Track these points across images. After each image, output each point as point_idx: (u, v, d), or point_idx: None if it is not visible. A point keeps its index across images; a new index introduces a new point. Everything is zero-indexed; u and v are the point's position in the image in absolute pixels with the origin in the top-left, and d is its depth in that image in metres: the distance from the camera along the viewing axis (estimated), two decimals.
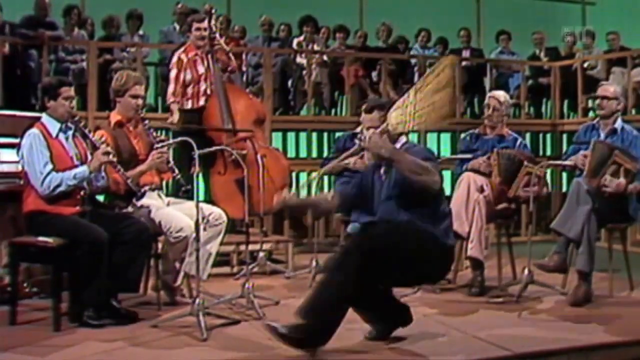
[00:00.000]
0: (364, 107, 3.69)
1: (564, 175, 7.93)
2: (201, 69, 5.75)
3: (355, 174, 5.26)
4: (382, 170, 3.55)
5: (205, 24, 5.74)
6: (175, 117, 5.67)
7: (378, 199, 3.50)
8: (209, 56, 5.75)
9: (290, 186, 6.03)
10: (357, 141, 3.47)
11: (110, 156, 4.02)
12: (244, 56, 7.56)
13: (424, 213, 3.40)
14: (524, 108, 8.69)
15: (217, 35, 5.89)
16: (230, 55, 5.92)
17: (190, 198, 4.30)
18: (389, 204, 3.44)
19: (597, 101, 4.87)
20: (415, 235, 3.35)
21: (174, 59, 5.76)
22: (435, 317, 3.63)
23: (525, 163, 4.68)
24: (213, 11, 5.77)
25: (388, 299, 3.54)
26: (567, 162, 4.83)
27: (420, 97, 3.27)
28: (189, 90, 5.75)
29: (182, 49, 5.83)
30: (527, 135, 8.28)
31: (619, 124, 4.80)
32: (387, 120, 3.31)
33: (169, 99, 5.75)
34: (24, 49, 6.93)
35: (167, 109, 6.16)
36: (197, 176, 4.07)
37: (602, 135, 4.78)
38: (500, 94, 5.20)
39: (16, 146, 4.08)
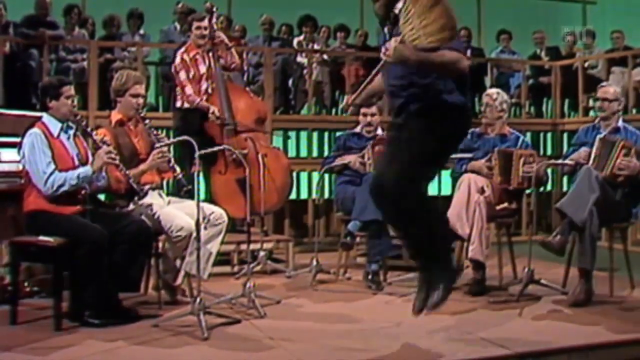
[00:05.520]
0: None
1: (564, 176, 7.92)
2: (202, 68, 5.74)
3: (355, 173, 5.29)
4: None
5: (205, 22, 5.73)
6: (212, 107, 5.60)
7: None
8: (210, 55, 5.75)
9: (291, 186, 6.04)
10: (384, 47, 3.35)
11: (113, 155, 4.03)
12: (244, 55, 7.56)
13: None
14: (524, 107, 8.69)
15: (220, 32, 5.88)
16: (233, 51, 5.90)
17: (191, 197, 4.30)
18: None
19: (598, 103, 4.86)
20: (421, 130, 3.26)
21: (177, 60, 5.72)
22: (435, 317, 3.63)
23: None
24: (214, 9, 5.76)
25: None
26: (567, 162, 4.83)
27: (420, 10, 3.17)
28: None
29: (183, 48, 5.81)
30: (528, 135, 8.24)
31: (620, 123, 4.81)
32: (402, 34, 3.24)
33: (194, 101, 5.65)
34: (24, 49, 6.93)
35: (167, 109, 6.14)
36: (198, 175, 4.08)
37: (605, 135, 4.78)
38: (493, 91, 5.22)
39: (17, 145, 4.08)
